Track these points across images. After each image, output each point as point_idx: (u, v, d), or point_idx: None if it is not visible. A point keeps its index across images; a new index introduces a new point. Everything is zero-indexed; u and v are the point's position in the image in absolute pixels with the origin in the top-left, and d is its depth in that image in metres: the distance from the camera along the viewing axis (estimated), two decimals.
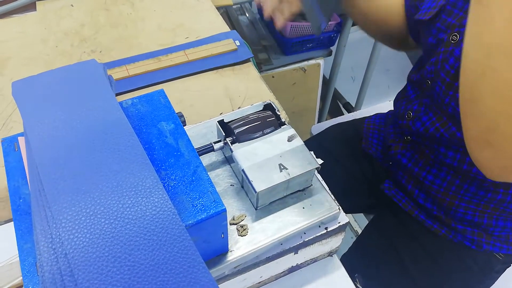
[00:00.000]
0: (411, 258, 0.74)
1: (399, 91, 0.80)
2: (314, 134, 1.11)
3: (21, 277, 0.49)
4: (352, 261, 0.80)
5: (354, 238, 1.15)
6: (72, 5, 0.97)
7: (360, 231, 1.36)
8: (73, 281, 0.32)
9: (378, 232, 0.84)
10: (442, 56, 0.58)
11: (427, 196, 0.71)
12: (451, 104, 0.58)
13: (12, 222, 0.59)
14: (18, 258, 0.51)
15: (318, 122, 1.56)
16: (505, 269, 0.75)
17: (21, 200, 0.39)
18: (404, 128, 0.71)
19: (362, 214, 1.22)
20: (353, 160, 0.91)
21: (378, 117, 0.91)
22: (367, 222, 0.93)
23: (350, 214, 1.35)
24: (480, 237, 0.68)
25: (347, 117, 1.18)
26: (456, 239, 0.71)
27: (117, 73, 0.79)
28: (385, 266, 0.77)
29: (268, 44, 1.46)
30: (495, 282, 0.75)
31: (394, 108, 0.80)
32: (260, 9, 1.57)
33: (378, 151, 0.85)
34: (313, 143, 0.98)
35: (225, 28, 0.92)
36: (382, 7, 0.71)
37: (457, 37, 0.55)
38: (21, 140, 0.43)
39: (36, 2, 0.98)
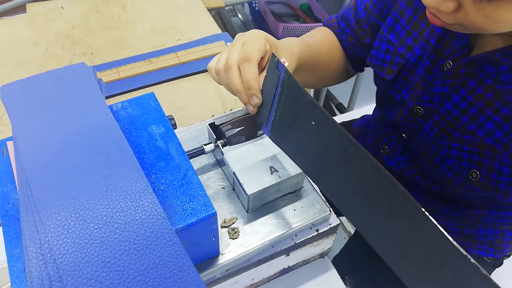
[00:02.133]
0: None
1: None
2: None
3: (9, 283, 0.48)
4: (343, 263, 0.80)
5: (347, 239, 1.15)
6: (62, 7, 0.97)
7: (353, 232, 1.37)
8: (62, 287, 0.32)
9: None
10: (412, 125, 0.56)
11: None
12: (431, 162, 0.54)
13: (0, 228, 0.59)
14: (5, 264, 0.50)
15: None
16: (493, 271, 0.75)
17: (9, 205, 0.39)
18: (377, 158, 0.70)
19: None
20: None
21: (365, 120, 0.91)
22: None
23: (342, 216, 1.35)
24: (465, 241, 0.69)
25: (339, 118, 1.18)
26: None
27: (108, 76, 0.79)
28: (375, 268, 0.77)
29: None
30: None
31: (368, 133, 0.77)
32: (252, 11, 1.57)
33: None
34: None
35: (217, 30, 0.92)
36: (324, 52, 0.64)
37: (421, 111, 0.53)
38: (10, 145, 0.43)
39: (26, 4, 0.97)
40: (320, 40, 0.63)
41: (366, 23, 0.61)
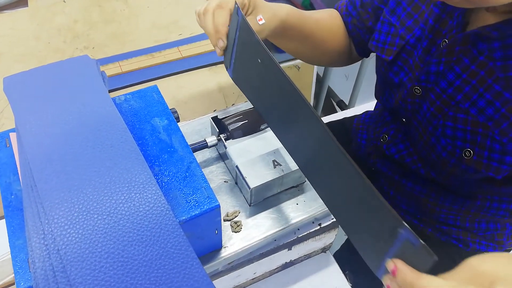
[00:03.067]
0: None
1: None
2: None
3: (13, 274, 0.48)
4: (344, 258, 0.80)
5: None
6: (64, 1, 0.97)
7: None
8: (65, 277, 0.32)
9: None
10: (411, 106, 0.57)
11: (409, 201, 0.71)
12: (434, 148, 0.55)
13: (2, 220, 0.59)
14: (8, 256, 0.50)
15: None
16: None
17: (12, 197, 0.39)
18: (378, 150, 0.71)
19: None
20: None
21: (368, 115, 0.91)
22: None
23: None
24: (466, 236, 0.69)
25: (340, 114, 1.18)
26: (443, 238, 0.71)
27: (110, 70, 0.79)
28: None
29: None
30: None
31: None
32: None
33: (366, 153, 0.85)
34: None
35: None
36: (321, 26, 0.65)
37: (419, 91, 0.54)
38: (13, 136, 0.43)
39: None
40: (320, 16, 0.65)
41: (370, 6, 0.62)
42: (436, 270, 0.77)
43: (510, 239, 0.68)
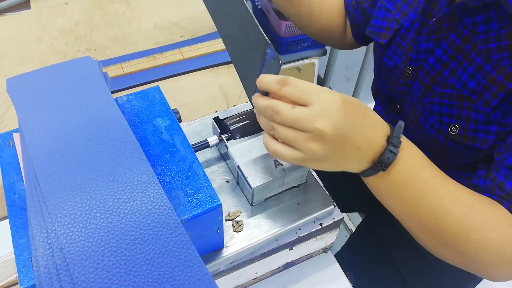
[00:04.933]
0: (401, 256, 0.75)
1: None
2: None
3: (16, 274, 0.49)
4: (344, 259, 0.80)
5: (349, 236, 1.16)
6: (66, 3, 0.97)
7: (354, 229, 1.37)
8: (68, 275, 0.32)
9: (369, 231, 0.84)
10: (403, 88, 0.58)
11: None
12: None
13: (5, 221, 0.59)
14: (12, 255, 0.51)
15: None
16: None
17: (16, 196, 0.39)
18: None
19: (356, 212, 1.22)
20: None
21: None
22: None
23: (344, 213, 1.35)
24: None
25: None
26: None
27: (112, 71, 0.79)
28: (376, 265, 0.77)
29: None
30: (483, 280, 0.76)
31: None
32: (255, 8, 1.57)
33: None
34: None
35: None
36: (323, 4, 0.70)
37: (411, 71, 0.56)
38: (16, 136, 0.43)
39: (30, 0, 0.97)
40: None
41: None
42: (437, 273, 0.77)
43: None
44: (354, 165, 0.40)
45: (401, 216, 0.45)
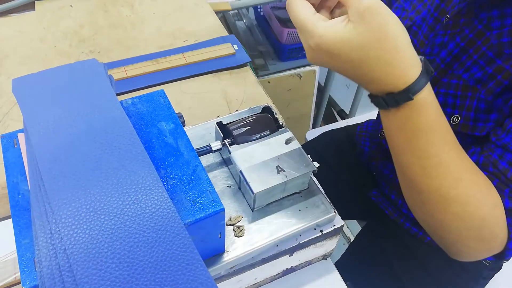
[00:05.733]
0: (401, 265, 0.75)
1: None
2: (308, 140, 1.12)
3: (18, 274, 0.48)
4: (344, 267, 0.81)
5: (347, 245, 1.16)
6: (71, 6, 0.98)
7: (352, 238, 1.37)
8: (71, 277, 0.32)
9: (369, 239, 0.84)
10: None
11: None
12: None
13: (5, 221, 0.59)
14: (12, 255, 0.51)
15: (312, 128, 1.57)
16: (493, 275, 0.76)
17: (19, 196, 0.39)
18: (379, 148, 0.72)
19: (355, 220, 1.23)
20: (345, 167, 0.92)
21: (370, 124, 0.92)
22: (360, 228, 0.93)
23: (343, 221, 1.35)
24: None
25: (341, 124, 1.19)
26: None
27: (116, 74, 0.79)
28: (376, 274, 0.77)
29: (265, 50, 1.47)
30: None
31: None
32: (257, 15, 1.58)
33: (369, 158, 0.86)
34: (307, 149, 0.99)
35: (224, 32, 0.93)
36: None
37: None
38: (21, 137, 0.44)
39: (35, 1, 0.98)
40: None
41: None
42: (436, 281, 0.78)
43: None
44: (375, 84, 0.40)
45: (398, 156, 0.45)
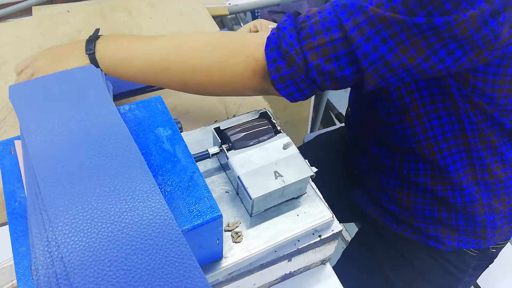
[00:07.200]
0: (390, 266, 0.76)
1: None
2: (305, 142, 1.12)
3: (15, 281, 0.48)
4: (341, 272, 0.81)
5: (344, 248, 1.16)
6: (68, 11, 0.98)
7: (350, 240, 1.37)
8: (68, 285, 0.32)
9: (361, 243, 0.85)
10: None
11: (389, 198, 0.73)
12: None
13: (4, 227, 0.59)
14: (9, 263, 0.50)
15: (310, 132, 1.57)
16: (487, 265, 0.75)
17: (16, 204, 0.39)
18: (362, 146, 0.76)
19: (353, 223, 1.23)
20: (340, 169, 0.92)
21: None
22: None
23: (341, 224, 1.35)
24: (444, 233, 0.69)
25: (339, 127, 1.19)
26: (422, 240, 0.71)
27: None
28: (369, 277, 0.77)
29: None
30: (480, 278, 0.76)
31: None
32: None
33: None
34: (303, 152, 0.99)
35: None
36: None
37: None
38: (18, 144, 0.43)
39: (32, 7, 0.98)
40: None
41: None
42: (425, 279, 0.78)
43: (496, 234, 0.68)
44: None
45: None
